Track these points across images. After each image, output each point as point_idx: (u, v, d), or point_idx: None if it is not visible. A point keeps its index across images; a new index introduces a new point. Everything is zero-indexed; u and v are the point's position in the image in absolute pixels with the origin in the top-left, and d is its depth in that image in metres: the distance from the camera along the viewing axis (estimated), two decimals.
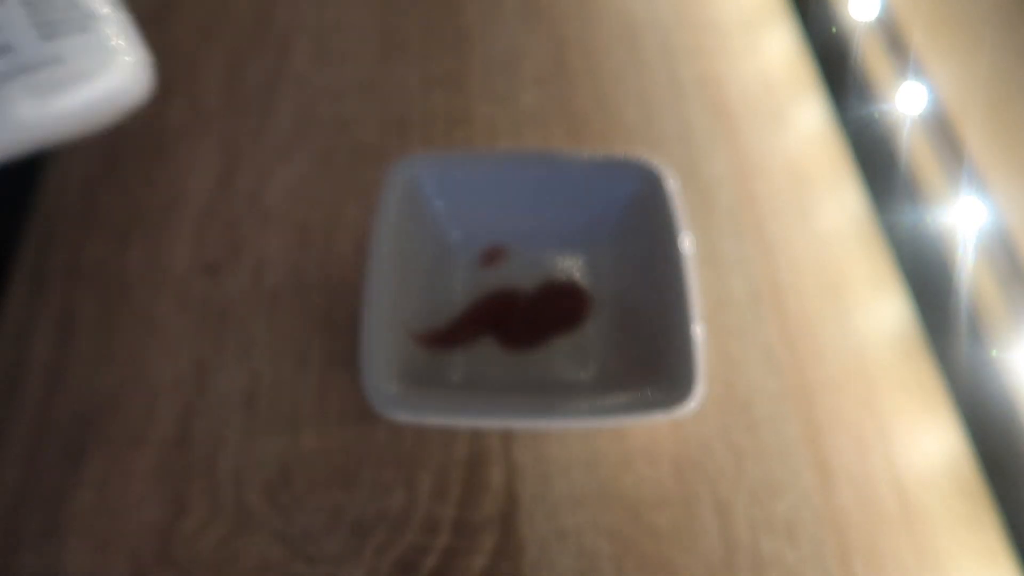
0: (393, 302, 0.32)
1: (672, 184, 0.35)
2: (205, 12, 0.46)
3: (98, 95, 0.28)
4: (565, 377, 0.33)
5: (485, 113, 0.42)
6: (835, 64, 0.47)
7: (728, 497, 0.32)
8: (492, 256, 0.36)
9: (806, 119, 0.43)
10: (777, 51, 0.46)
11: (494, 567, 0.30)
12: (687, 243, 0.33)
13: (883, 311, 0.37)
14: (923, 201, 0.41)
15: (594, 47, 0.46)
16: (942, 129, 0.40)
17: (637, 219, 0.35)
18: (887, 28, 0.45)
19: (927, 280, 0.39)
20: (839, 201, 0.40)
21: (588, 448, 0.33)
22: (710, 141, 0.42)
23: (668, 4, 0.48)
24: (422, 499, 0.31)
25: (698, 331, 0.31)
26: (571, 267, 0.37)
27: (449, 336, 0.34)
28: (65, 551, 0.30)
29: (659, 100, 0.43)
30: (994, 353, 0.35)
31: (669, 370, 0.30)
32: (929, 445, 0.33)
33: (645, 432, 0.33)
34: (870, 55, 0.46)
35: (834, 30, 0.48)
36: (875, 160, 0.43)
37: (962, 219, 0.38)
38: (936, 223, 0.40)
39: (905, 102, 0.43)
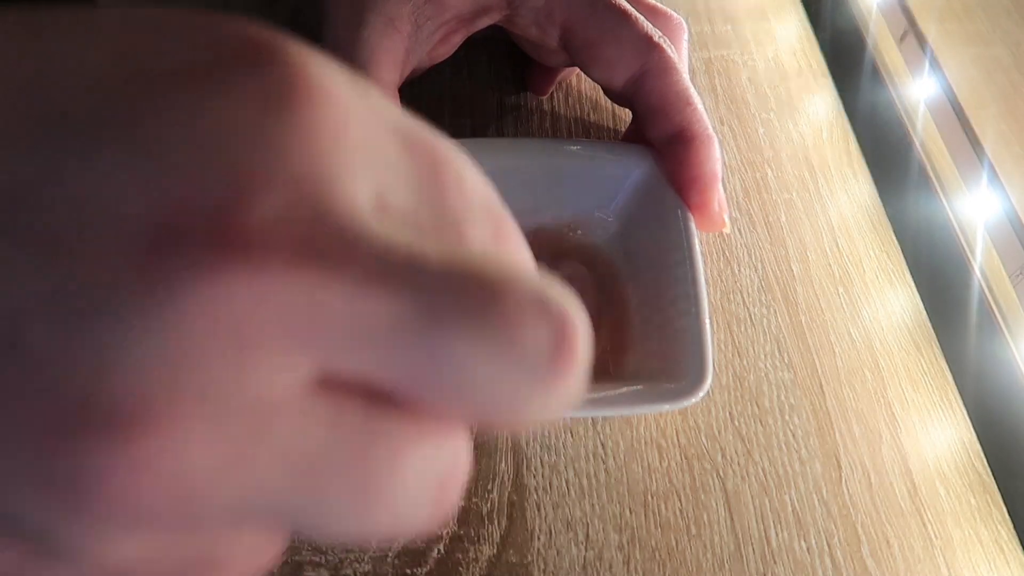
0: None
1: None
2: None
3: None
4: None
5: (492, 99, 0.42)
6: (847, 52, 0.47)
7: (737, 487, 0.31)
8: None
9: (817, 108, 0.43)
10: (788, 39, 0.46)
11: (501, 556, 0.30)
12: (695, 231, 0.33)
13: (893, 302, 0.37)
14: (934, 191, 0.41)
15: None
16: (954, 118, 0.39)
17: (644, 206, 0.35)
18: (899, 16, 0.44)
19: (937, 271, 0.39)
20: (849, 191, 0.40)
21: (596, 438, 0.32)
22: (719, 129, 0.41)
23: None
24: None
25: (706, 321, 0.30)
26: (576, 254, 0.36)
27: None
28: None
29: None
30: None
31: (678, 360, 0.30)
32: (938, 437, 0.33)
33: (654, 422, 0.33)
34: (882, 43, 0.46)
35: (845, 18, 0.48)
36: (886, 149, 0.43)
37: (973, 209, 0.38)
38: (947, 213, 0.40)
39: (917, 91, 0.42)
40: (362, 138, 0.13)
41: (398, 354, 0.12)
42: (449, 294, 0.12)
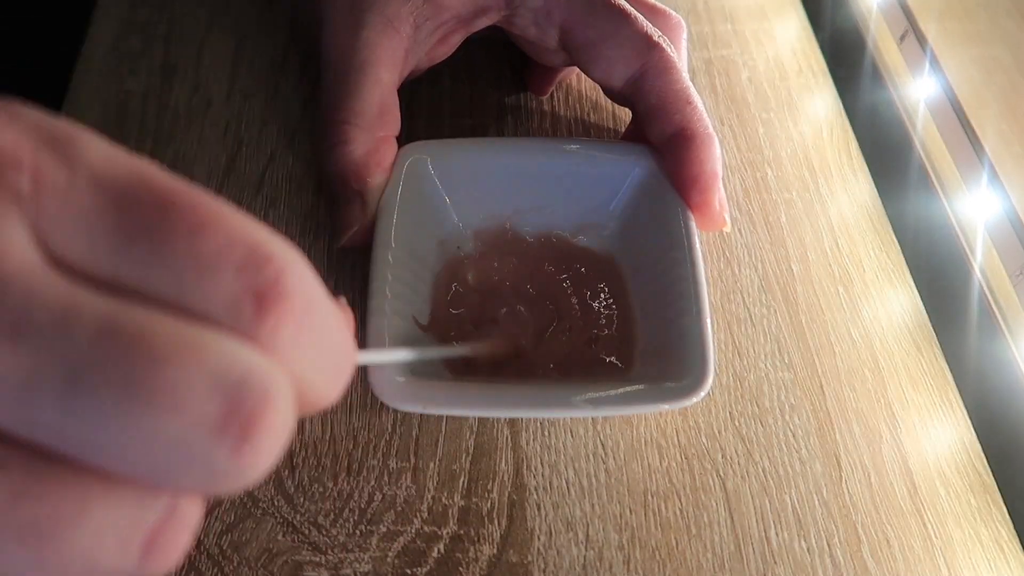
0: (399, 290, 0.32)
1: None
2: None
3: None
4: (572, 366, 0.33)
5: (492, 100, 0.42)
6: (847, 52, 0.47)
7: (737, 487, 0.31)
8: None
9: (817, 108, 0.43)
10: (788, 39, 0.46)
11: (501, 556, 0.30)
12: (695, 231, 0.33)
13: (893, 302, 0.37)
14: (934, 191, 0.41)
15: None
16: (954, 118, 0.39)
17: (644, 206, 0.35)
18: (900, 16, 0.44)
19: (937, 271, 0.39)
20: (849, 191, 0.40)
21: (596, 437, 0.32)
22: (719, 129, 0.41)
23: None
24: (429, 488, 0.31)
25: (707, 320, 0.30)
26: (576, 254, 0.36)
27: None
28: None
29: None
30: None
31: (678, 360, 0.30)
32: (939, 437, 0.33)
33: (654, 421, 0.33)
34: (882, 43, 0.46)
35: (845, 18, 0.48)
36: (886, 149, 0.43)
37: (973, 209, 0.38)
38: (947, 213, 0.40)
39: (917, 91, 0.42)
40: (33, 184, 0.13)
41: (36, 415, 0.12)
42: (97, 361, 0.12)
